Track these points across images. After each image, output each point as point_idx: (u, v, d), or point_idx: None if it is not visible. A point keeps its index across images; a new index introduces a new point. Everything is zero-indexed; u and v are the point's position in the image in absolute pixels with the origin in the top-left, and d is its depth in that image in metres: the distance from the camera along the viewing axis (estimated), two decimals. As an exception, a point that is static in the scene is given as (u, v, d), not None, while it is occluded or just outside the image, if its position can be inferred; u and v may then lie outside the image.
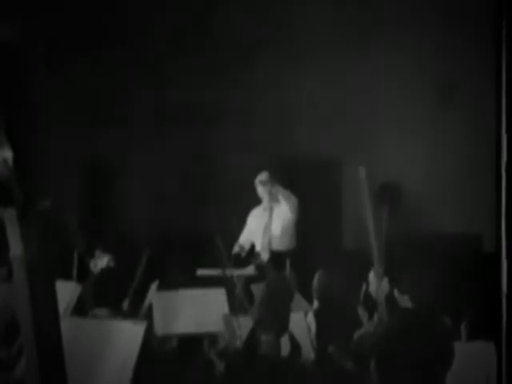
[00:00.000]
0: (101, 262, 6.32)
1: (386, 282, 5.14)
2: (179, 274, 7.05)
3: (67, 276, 6.07)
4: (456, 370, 2.63)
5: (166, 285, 5.97)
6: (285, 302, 3.76)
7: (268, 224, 7.67)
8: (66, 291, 5.46)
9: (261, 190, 7.74)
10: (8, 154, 2.37)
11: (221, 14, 10.04)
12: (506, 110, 2.71)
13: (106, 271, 6.29)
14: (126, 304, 5.92)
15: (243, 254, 7.63)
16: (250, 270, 7.20)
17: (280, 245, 7.71)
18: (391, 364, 2.52)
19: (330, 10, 9.91)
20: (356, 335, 4.76)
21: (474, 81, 9.23)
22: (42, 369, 2.41)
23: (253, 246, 7.91)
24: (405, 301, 4.62)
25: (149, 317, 5.51)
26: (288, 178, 10.42)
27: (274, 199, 7.73)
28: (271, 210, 7.70)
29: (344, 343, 4.68)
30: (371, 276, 5.26)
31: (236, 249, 7.60)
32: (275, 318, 3.69)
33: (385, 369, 2.53)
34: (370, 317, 5.10)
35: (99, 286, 6.09)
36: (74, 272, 6.17)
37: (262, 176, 7.74)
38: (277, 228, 7.71)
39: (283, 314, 3.77)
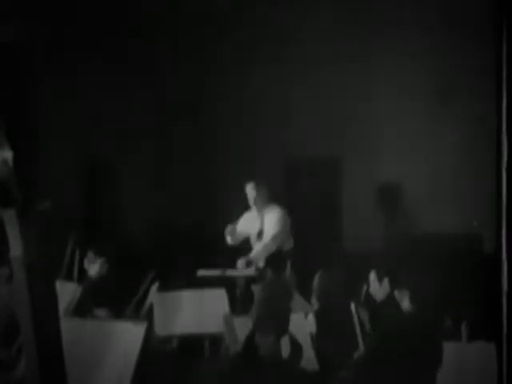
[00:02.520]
0: (93, 266, 6.25)
1: (386, 282, 5.14)
2: (180, 275, 7.04)
3: (68, 277, 6.06)
4: (456, 371, 2.63)
5: (167, 285, 5.96)
6: (283, 303, 3.75)
7: (260, 231, 7.52)
8: (67, 292, 5.46)
9: (250, 200, 7.53)
10: (8, 154, 2.37)
11: (221, 16, 10.05)
12: (506, 110, 2.71)
13: (103, 274, 6.26)
14: (128, 304, 5.90)
15: (233, 241, 7.45)
16: (250, 270, 7.18)
17: (277, 248, 7.59)
18: (383, 363, 2.52)
19: (330, 11, 9.92)
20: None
21: (474, 81, 9.23)
22: (42, 369, 2.41)
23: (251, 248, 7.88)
24: (405, 301, 4.61)
25: (149, 317, 5.50)
26: (288, 178, 10.46)
27: (263, 207, 7.52)
28: (262, 217, 7.53)
29: (344, 344, 4.68)
30: (372, 276, 5.27)
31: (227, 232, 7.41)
32: (275, 319, 3.68)
33: (376, 369, 2.53)
34: (371, 317, 5.09)
35: (99, 286, 6.08)
36: (75, 273, 6.15)
37: (248, 187, 7.51)
38: (268, 235, 7.51)
39: (283, 314, 3.76)
